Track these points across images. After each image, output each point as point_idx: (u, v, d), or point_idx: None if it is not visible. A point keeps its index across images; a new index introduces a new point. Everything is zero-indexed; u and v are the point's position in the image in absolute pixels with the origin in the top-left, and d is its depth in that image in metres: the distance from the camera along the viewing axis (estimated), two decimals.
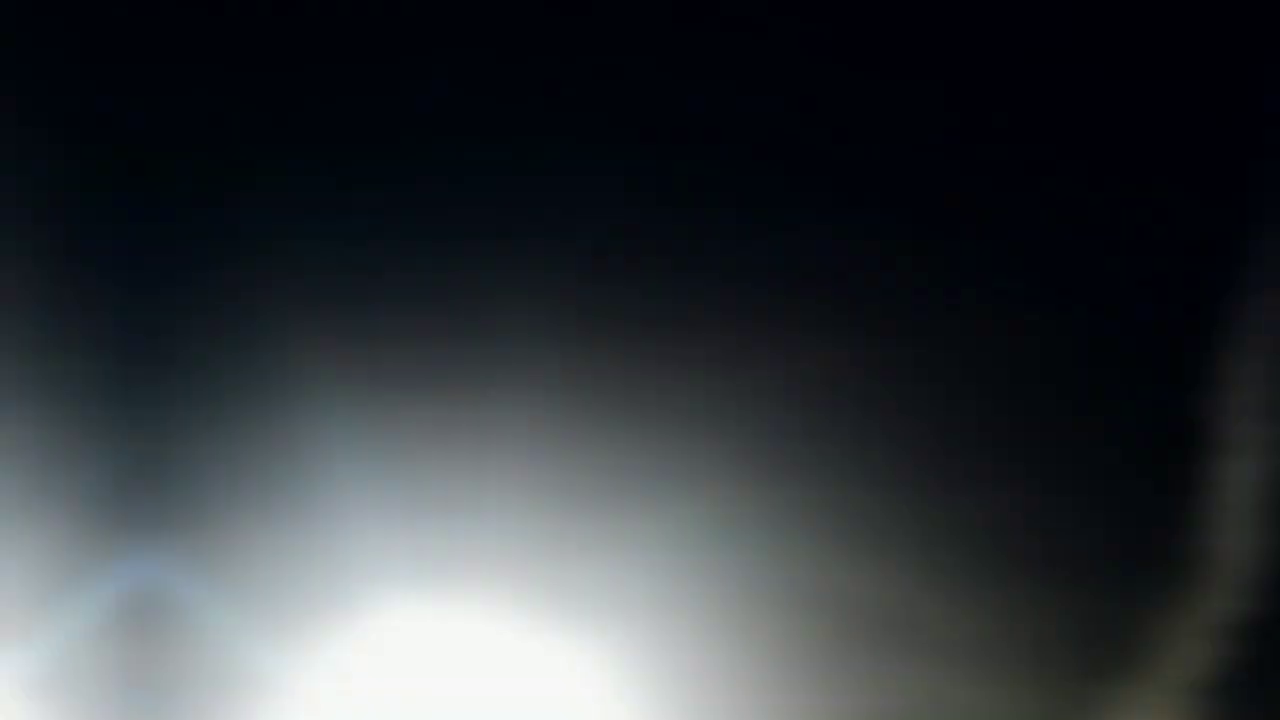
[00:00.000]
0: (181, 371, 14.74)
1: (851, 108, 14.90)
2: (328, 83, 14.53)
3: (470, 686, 14.53)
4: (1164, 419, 14.78)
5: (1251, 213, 14.96)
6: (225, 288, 14.93)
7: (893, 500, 14.79)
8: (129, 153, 14.83)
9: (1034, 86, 15.15)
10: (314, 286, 14.73)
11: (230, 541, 14.45)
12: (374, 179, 15.19)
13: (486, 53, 14.92)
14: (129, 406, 14.87)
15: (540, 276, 14.58)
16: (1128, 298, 14.94)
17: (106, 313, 14.88)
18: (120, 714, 14.53)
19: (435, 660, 14.50)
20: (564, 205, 14.79)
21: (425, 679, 14.45)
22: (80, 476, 14.62)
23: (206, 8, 14.74)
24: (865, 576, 14.68)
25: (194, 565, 14.35)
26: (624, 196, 14.82)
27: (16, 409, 14.42)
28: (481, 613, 14.51)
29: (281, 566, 14.59)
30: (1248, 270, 14.78)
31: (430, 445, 14.66)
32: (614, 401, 14.41)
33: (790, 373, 14.48)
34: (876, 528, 14.73)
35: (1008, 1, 15.00)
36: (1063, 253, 15.06)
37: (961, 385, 14.82)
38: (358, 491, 14.53)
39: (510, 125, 14.53)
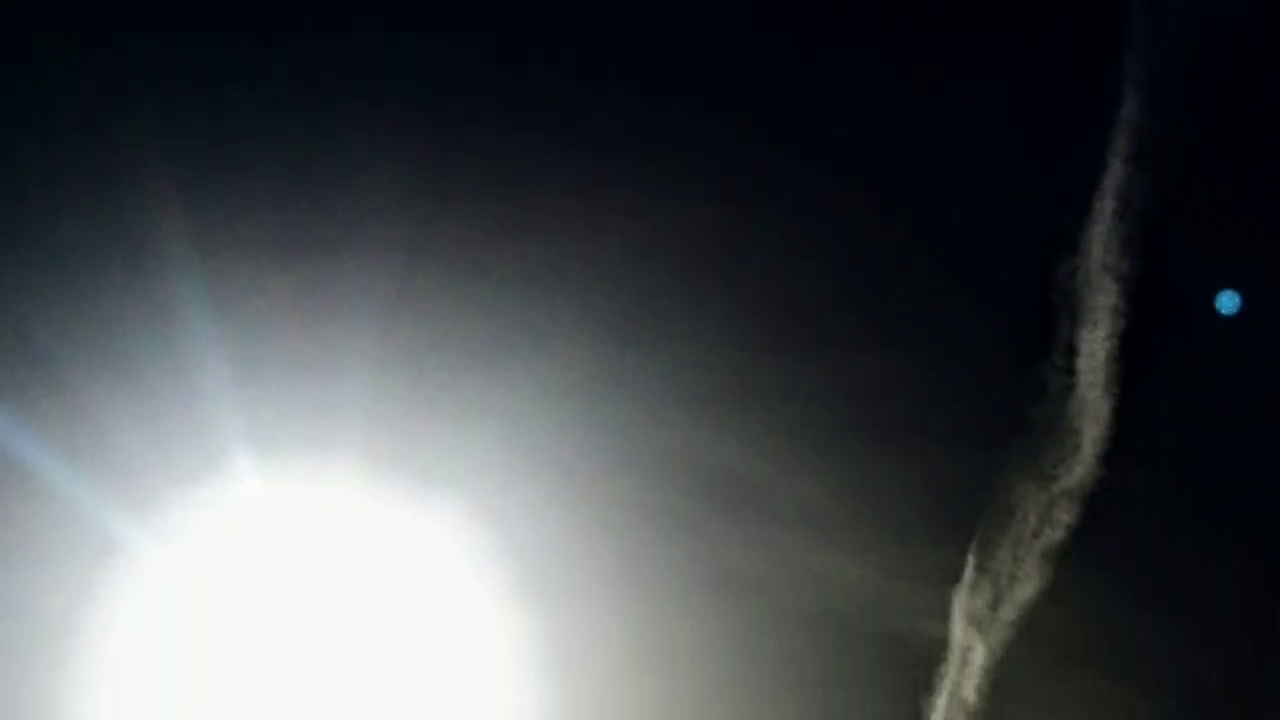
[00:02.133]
0: (34, 239, 14.88)
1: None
2: None
3: (326, 552, 14.74)
4: (1019, 285, 14.93)
5: (1114, 83, 15.04)
6: (80, 155, 15.04)
7: (747, 364, 14.99)
8: None
9: None
10: (169, 154, 14.84)
11: (85, 408, 14.64)
12: (228, 54, 15.32)
13: None
14: None
15: (389, 145, 14.70)
16: (986, 166, 15.03)
17: None
18: None
19: (291, 526, 14.72)
20: (410, 83, 14.92)
21: (279, 543, 14.66)
22: None
23: None
24: (717, 441, 14.90)
25: (47, 432, 14.53)
26: (469, 81, 14.96)
27: None
28: (337, 478, 14.71)
29: (136, 433, 14.80)
30: (1106, 139, 14.87)
31: (284, 312, 14.82)
32: (462, 265, 14.57)
33: (640, 238, 14.64)
34: (729, 392, 14.94)
35: None
36: (921, 123, 15.15)
37: (817, 250, 14.97)
38: (213, 358, 14.71)
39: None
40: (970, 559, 15.12)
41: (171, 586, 15.13)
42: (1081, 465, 15.03)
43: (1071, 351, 15.07)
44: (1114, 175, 14.86)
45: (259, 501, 15.13)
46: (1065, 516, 15.00)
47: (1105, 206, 14.90)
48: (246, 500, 15.12)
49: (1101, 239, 14.93)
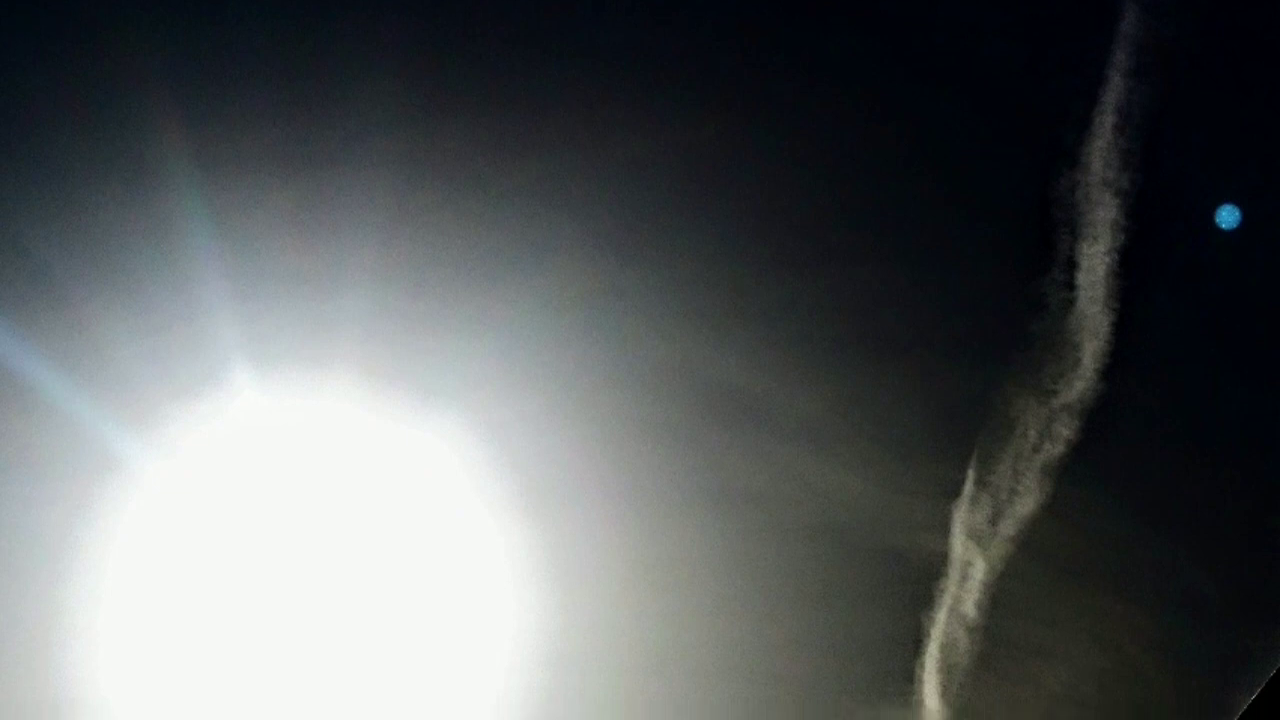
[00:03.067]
0: (34, 153, 14.91)
1: None
2: None
3: (325, 466, 14.77)
4: (1019, 200, 14.95)
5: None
6: (80, 68, 15.06)
7: (746, 278, 15.02)
8: None
9: None
10: (169, 67, 14.85)
11: (84, 322, 14.67)
12: None
13: None
14: None
15: (389, 59, 14.71)
16: (986, 81, 15.05)
17: None
18: None
19: (290, 439, 14.75)
20: None
21: (279, 457, 14.69)
22: None
23: None
24: (717, 355, 14.93)
25: (46, 346, 14.55)
26: None
27: None
28: (337, 392, 14.74)
29: (135, 347, 14.83)
30: (1106, 53, 14.87)
31: (284, 226, 14.85)
32: (462, 179, 14.60)
33: (640, 152, 14.66)
34: (728, 306, 14.96)
35: None
36: (921, 39, 15.16)
37: (817, 165, 14.99)
38: (213, 272, 14.74)
39: None
40: (970, 473, 15.17)
41: (171, 500, 15.17)
42: (1081, 380, 15.08)
43: (1071, 266, 15.12)
44: (1114, 89, 14.91)
45: (258, 415, 15.17)
46: (1065, 431, 15.06)
47: (1105, 121, 14.95)
48: (246, 414, 15.16)
49: (1101, 153, 14.98)
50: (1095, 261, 15.03)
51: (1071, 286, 15.08)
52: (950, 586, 15.14)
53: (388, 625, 15.19)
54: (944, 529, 15.18)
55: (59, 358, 15.07)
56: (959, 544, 15.16)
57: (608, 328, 15.15)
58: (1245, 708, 13.35)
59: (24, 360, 14.98)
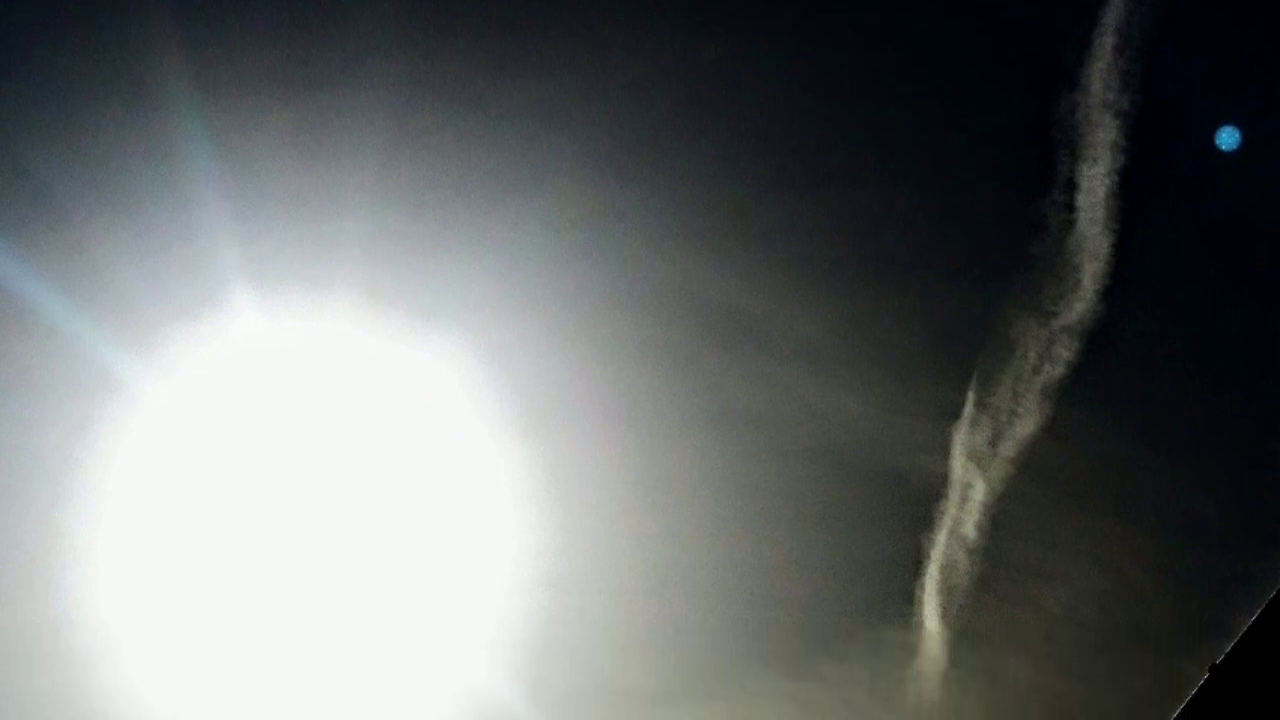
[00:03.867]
0: (34, 73, 14.93)
1: None
2: None
3: (325, 388, 14.78)
4: (1020, 121, 14.95)
5: None
6: None
7: (747, 200, 15.03)
8: None
9: None
10: None
11: (84, 243, 14.69)
12: None
13: None
14: None
15: None
16: (986, 2, 15.04)
17: None
18: None
19: (290, 360, 14.75)
20: None
21: (279, 378, 14.69)
22: None
23: None
24: (717, 276, 14.94)
25: (46, 267, 14.56)
26: None
27: None
28: (337, 313, 14.75)
29: (136, 268, 14.84)
30: None
31: (284, 147, 14.87)
32: (462, 101, 14.61)
33: (640, 73, 14.66)
34: (729, 227, 14.97)
35: None
36: None
37: (818, 86, 15.00)
38: (213, 193, 14.75)
39: None
40: (970, 395, 15.19)
41: (171, 421, 15.18)
42: (1081, 301, 15.09)
43: (1072, 187, 15.13)
44: (1114, 10, 14.93)
45: (258, 336, 15.18)
46: (1065, 352, 15.06)
47: (1105, 42, 14.96)
48: (246, 335, 15.18)
49: (1101, 75, 15.00)
50: (1095, 183, 15.06)
51: (1071, 208, 15.11)
52: (950, 508, 15.16)
53: (387, 547, 15.20)
54: (944, 450, 15.20)
55: (59, 278, 15.10)
56: (959, 465, 15.18)
57: (608, 249, 15.20)
58: (1245, 629, 13.34)
59: (24, 281, 15.00)
